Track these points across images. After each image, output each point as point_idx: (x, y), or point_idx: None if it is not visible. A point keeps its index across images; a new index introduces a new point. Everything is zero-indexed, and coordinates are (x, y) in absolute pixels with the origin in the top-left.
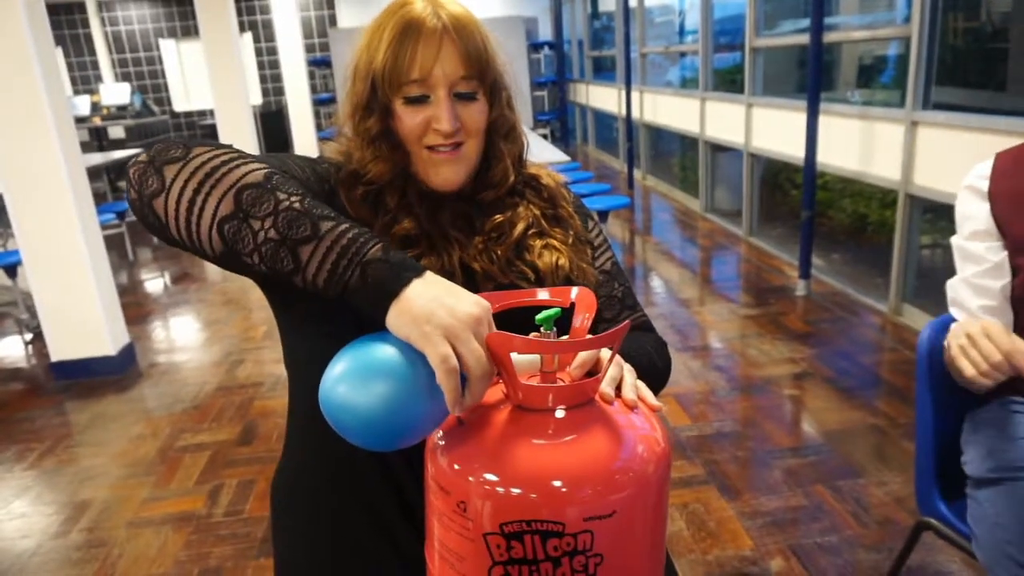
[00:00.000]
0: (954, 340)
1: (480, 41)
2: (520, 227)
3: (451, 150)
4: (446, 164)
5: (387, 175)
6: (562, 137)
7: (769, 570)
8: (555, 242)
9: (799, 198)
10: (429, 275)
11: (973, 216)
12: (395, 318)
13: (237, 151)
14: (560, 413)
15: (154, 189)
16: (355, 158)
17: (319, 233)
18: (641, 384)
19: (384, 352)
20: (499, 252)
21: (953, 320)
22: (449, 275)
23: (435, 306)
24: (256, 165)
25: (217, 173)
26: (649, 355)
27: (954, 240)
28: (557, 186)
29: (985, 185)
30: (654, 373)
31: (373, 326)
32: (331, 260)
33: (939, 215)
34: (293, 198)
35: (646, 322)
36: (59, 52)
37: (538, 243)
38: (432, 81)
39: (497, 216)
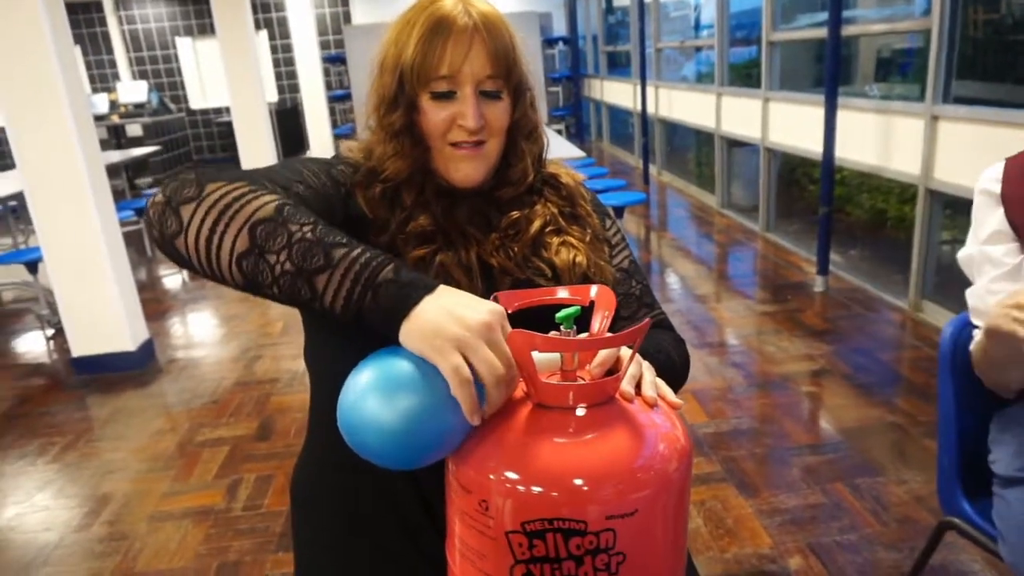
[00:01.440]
0: (1003, 319)
1: (508, 41)
2: (537, 224)
3: (473, 147)
4: (467, 161)
5: (405, 172)
6: (577, 133)
7: (788, 568)
8: (572, 239)
9: (816, 193)
10: (442, 289)
11: (988, 220)
12: (406, 336)
13: (249, 182)
14: (581, 411)
15: (173, 230)
16: (376, 153)
17: (332, 261)
18: (660, 382)
19: (402, 367)
20: (516, 249)
21: (976, 327)
22: (467, 270)
23: (444, 318)
24: (268, 198)
25: (230, 211)
26: (668, 353)
27: (967, 249)
28: (576, 184)
29: (998, 188)
30: (673, 371)
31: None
32: (345, 287)
33: (959, 210)
34: (305, 228)
35: (664, 320)
36: (77, 51)
37: (555, 240)
38: (460, 78)
39: (514, 213)
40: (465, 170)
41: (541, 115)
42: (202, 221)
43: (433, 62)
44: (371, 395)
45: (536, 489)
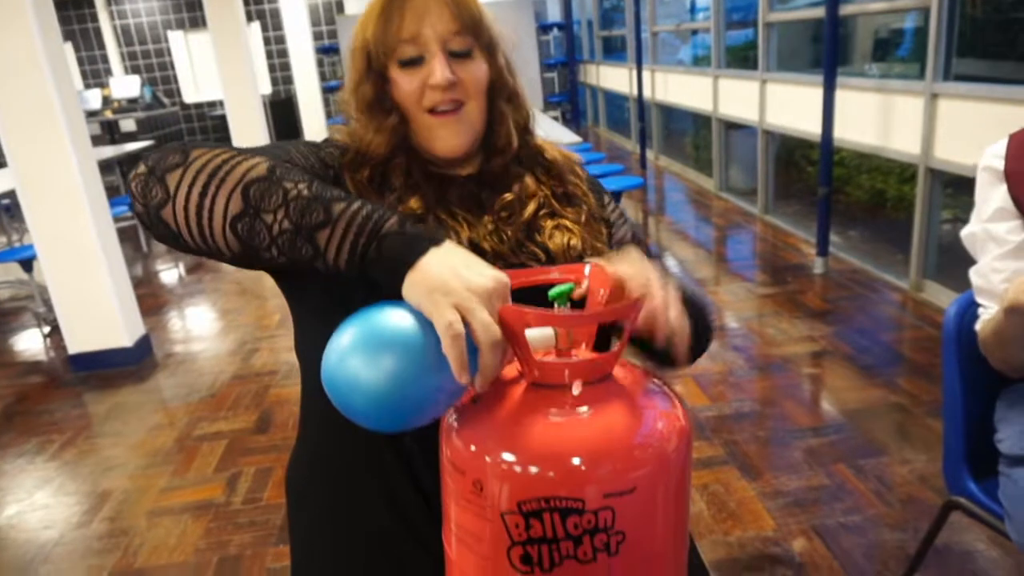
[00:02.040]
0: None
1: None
2: (531, 207)
3: (451, 110)
4: (446, 127)
5: (384, 147)
6: (573, 119)
7: (792, 550)
8: (567, 222)
9: (815, 175)
10: (448, 245)
11: (991, 197)
12: (409, 288)
13: (235, 149)
14: (576, 389)
15: (159, 199)
16: (358, 136)
17: (333, 216)
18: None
19: (387, 326)
20: (509, 233)
21: (980, 306)
22: None
23: (448, 275)
24: (257, 159)
25: (220, 172)
26: (693, 291)
27: (971, 227)
28: (565, 160)
29: (1001, 165)
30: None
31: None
32: (349, 240)
33: (960, 189)
34: (300, 185)
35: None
36: (69, 47)
37: (549, 224)
38: (423, 39)
39: (507, 195)
40: (446, 137)
41: (526, 89)
42: (190, 186)
43: (393, 29)
44: (355, 354)
45: (532, 469)
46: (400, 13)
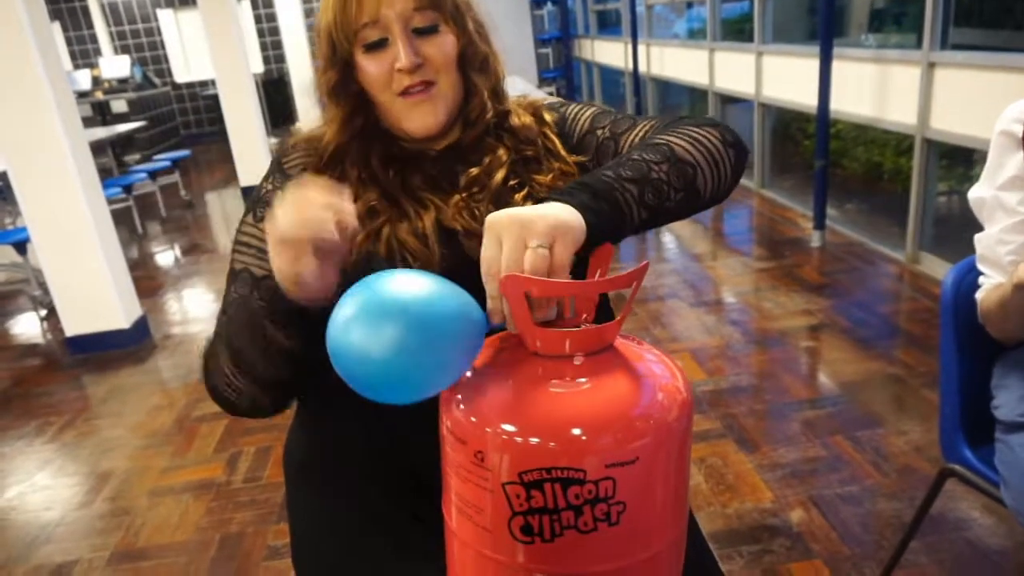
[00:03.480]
0: None
1: None
2: (499, 177)
3: (422, 90)
4: (420, 107)
5: (337, 138)
6: (568, 95)
7: (789, 521)
8: (536, 185)
9: (811, 148)
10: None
11: (1006, 164)
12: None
13: (217, 326)
14: (578, 360)
15: (231, 400)
16: (317, 136)
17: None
18: None
19: (402, 287)
20: (481, 208)
21: (981, 274)
22: (423, 238)
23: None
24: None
25: (238, 366)
26: (662, 148)
27: (979, 190)
28: (527, 126)
29: (1020, 130)
30: (712, 160)
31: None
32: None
33: (955, 160)
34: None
35: (655, 125)
36: (56, 27)
37: (518, 196)
38: (384, 21)
39: (473, 170)
40: (420, 118)
41: (499, 52)
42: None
43: (352, 13)
44: (363, 325)
45: (533, 439)
46: None
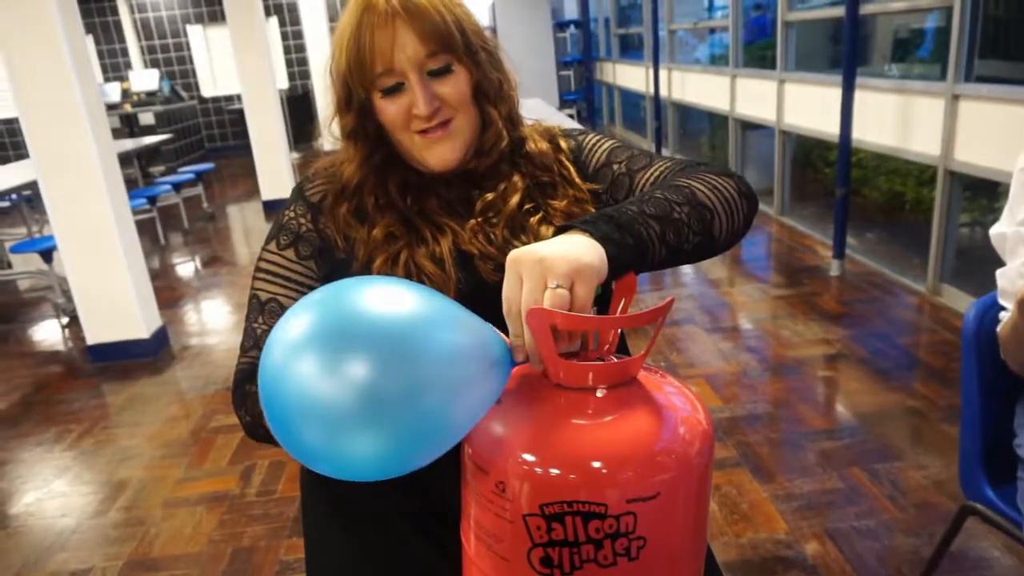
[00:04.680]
0: None
1: (436, 14)
2: (514, 202)
3: (440, 128)
4: (439, 144)
5: (356, 176)
6: (589, 117)
7: (804, 553)
8: (551, 211)
9: (832, 176)
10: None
11: None
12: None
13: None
14: (601, 393)
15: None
16: (337, 167)
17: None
18: None
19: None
20: (496, 233)
21: (1003, 308)
22: (440, 262)
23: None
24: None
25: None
26: (685, 193)
27: (1002, 226)
28: (544, 152)
29: None
30: (723, 208)
31: None
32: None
33: (979, 192)
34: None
35: (671, 167)
36: (89, 40)
37: (534, 220)
38: (398, 67)
39: (489, 195)
40: (440, 154)
41: (512, 74)
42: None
43: (367, 60)
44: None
45: (554, 471)
46: (370, 40)
